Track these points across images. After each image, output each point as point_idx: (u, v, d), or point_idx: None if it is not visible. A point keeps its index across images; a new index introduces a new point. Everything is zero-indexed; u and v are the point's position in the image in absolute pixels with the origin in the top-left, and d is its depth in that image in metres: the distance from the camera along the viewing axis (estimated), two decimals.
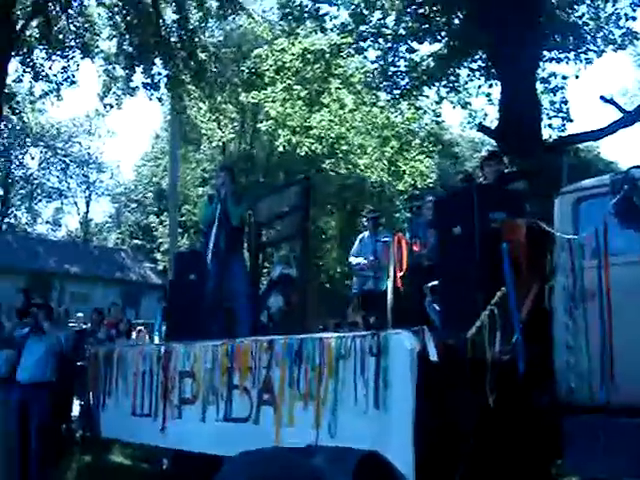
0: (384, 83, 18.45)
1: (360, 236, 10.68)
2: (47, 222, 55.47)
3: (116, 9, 20.46)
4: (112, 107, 21.67)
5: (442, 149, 24.52)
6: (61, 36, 20.38)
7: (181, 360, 7.58)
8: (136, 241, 46.31)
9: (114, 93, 21.33)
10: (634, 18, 16.63)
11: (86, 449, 10.51)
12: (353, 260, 10.21)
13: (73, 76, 21.11)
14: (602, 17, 17.01)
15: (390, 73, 18.09)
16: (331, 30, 18.26)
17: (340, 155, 26.90)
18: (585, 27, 17.06)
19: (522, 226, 6.18)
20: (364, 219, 10.62)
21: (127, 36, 20.28)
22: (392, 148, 22.30)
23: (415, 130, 22.10)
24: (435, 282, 7.28)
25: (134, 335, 13.32)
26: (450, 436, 5.34)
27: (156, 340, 11.84)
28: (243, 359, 6.72)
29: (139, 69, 20.58)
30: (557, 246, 5.77)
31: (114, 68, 21.16)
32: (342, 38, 17.87)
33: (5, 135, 38.96)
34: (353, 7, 17.36)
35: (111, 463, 10.48)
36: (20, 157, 48.90)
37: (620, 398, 5.08)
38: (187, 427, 7.36)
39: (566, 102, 17.46)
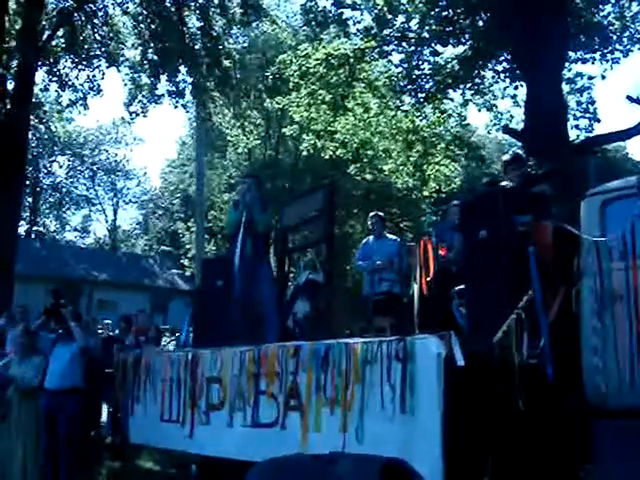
0: (408, 87, 18.46)
1: (364, 240, 10.65)
2: (75, 229, 56.08)
3: (140, 18, 20.61)
4: (138, 115, 21.82)
5: (468, 152, 24.34)
6: (86, 45, 20.56)
7: (208, 366, 7.60)
8: (163, 247, 46.52)
9: (139, 101, 21.48)
10: None
11: (115, 455, 10.59)
12: (361, 263, 10.15)
13: (99, 85, 21.28)
14: (627, 16, 16.91)
15: (414, 76, 18.09)
16: (355, 34, 18.34)
17: (365, 160, 26.87)
18: (611, 27, 16.97)
19: (549, 229, 6.14)
20: (369, 222, 10.54)
21: (152, 44, 20.43)
22: (417, 152, 22.24)
23: (440, 133, 22.01)
24: (462, 286, 7.25)
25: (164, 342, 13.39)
26: (478, 441, 5.31)
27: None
28: (270, 365, 6.73)
29: (164, 77, 20.73)
30: (584, 249, 5.72)
31: (139, 76, 21.31)
32: (366, 42, 17.92)
33: (33, 144, 39.32)
34: (376, 11, 17.38)
35: (140, 469, 10.53)
36: (48, 165, 49.49)
37: None
38: (215, 433, 7.38)
39: (593, 102, 17.39)
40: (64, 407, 9.03)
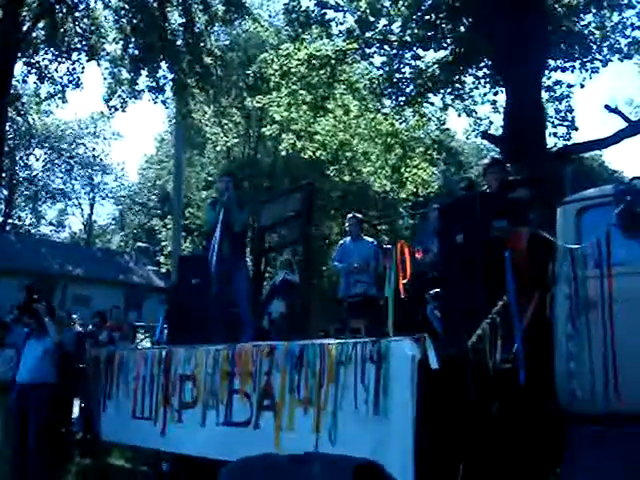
0: (389, 90, 18.49)
1: (341, 241, 10.70)
2: (51, 223, 55.59)
3: (122, 12, 20.48)
4: (117, 110, 21.67)
5: (447, 156, 24.45)
6: (67, 38, 20.42)
7: (182, 364, 7.58)
8: (139, 244, 46.27)
9: (119, 96, 21.34)
10: None
11: (85, 451, 10.50)
12: (338, 264, 10.18)
13: (78, 78, 21.15)
14: (608, 26, 17.01)
15: (395, 80, 18.13)
16: (337, 36, 18.31)
17: (344, 162, 26.90)
18: (591, 36, 17.08)
19: (524, 234, 6.18)
20: (346, 224, 10.58)
21: (133, 39, 20.31)
22: (396, 155, 22.28)
23: (419, 137, 22.07)
24: (437, 289, 7.28)
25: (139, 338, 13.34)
26: (450, 444, 5.33)
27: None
28: (244, 364, 6.73)
29: (144, 72, 20.60)
30: (559, 255, 5.76)
31: (119, 71, 21.18)
32: (348, 44, 17.91)
33: (10, 136, 38.98)
34: (359, 13, 17.39)
35: (110, 466, 10.45)
36: (25, 158, 49.02)
37: (622, 407, 5.07)
38: (187, 431, 7.36)
39: (571, 110, 17.50)
40: (34, 402, 8.95)
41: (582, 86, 17.60)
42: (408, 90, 18.35)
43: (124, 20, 20.51)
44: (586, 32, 17.07)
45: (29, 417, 8.98)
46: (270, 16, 30.55)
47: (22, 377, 9.16)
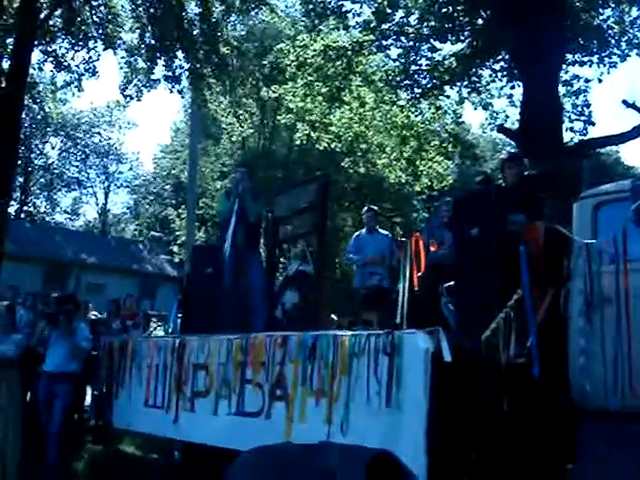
0: (405, 82, 18.42)
1: (356, 233, 10.70)
2: (65, 212, 55.70)
3: (139, 1, 20.49)
4: (132, 99, 21.69)
5: (462, 150, 24.34)
6: (84, 27, 20.45)
7: (195, 353, 7.61)
8: (153, 233, 46.39)
9: (135, 85, 21.36)
10: None
11: (97, 438, 10.57)
12: (352, 256, 10.20)
13: (94, 67, 21.18)
14: (627, 21, 16.88)
15: (411, 72, 18.06)
16: (353, 27, 18.26)
17: (359, 153, 26.85)
18: (609, 30, 16.94)
19: (541, 229, 6.16)
20: (363, 216, 10.59)
21: (149, 28, 20.32)
22: (411, 148, 22.21)
23: (435, 130, 21.99)
24: (451, 283, 7.26)
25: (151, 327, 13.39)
26: (462, 438, 5.32)
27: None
28: (257, 354, 6.74)
29: (161, 62, 20.61)
30: (575, 250, 5.73)
31: (136, 60, 21.19)
32: (364, 35, 17.85)
33: (26, 124, 39.12)
34: (376, 5, 17.32)
35: (122, 453, 10.52)
36: (40, 146, 49.09)
37: (636, 403, 5.05)
38: (199, 420, 7.39)
39: (588, 105, 17.37)
40: (61, 389, 9.17)
41: (600, 81, 17.53)
42: (424, 82, 18.28)
43: (141, 9, 20.52)
44: (604, 26, 16.94)
45: (55, 403, 9.14)
46: (286, 6, 30.48)
47: (51, 367, 9.33)
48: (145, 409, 8.33)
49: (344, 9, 17.83)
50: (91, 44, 20.97)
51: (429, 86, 18.27)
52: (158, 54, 20.35)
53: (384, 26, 17.48)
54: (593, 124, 17.24)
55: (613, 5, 16.79)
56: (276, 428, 6.29)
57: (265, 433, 6.34)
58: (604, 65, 17.05)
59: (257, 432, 6.46)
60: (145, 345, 8.78)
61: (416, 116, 20.93)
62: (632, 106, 14.20)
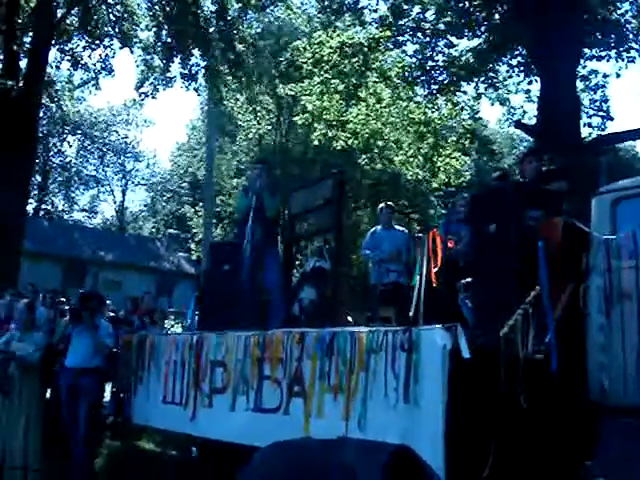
0: (422, 78, 18.40)
1: (372, 229, 10.68)
2: (83, 210, 56.01)
3: None
4: (147, 96, 21.79)
5: (479, 146, 24.30)
6: (100, 25, 20.55)
7: (213, 350, 7.62)
8: (171, 230, 46.56)
9: (151, 83, 21.46)
10: None
11: (116, 434, 10.63)
12: (368, 252, 10.18)
13: (111, 65, 21.30)
14: None
15: (428, 68, 18.04)
16: (370, 23, 18.25)
17: (376, 150, 26.83)
18: (627, 25, 16.86)
19: (559, 225, 6.13)
20: (379, 212, 10.56)
21: (166, 26, 20.39)
22: (428, 144, 22.20)
23: (452, 126, 21.96)
24: (469, 279, 7.24)
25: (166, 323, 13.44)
26: (480, 434, 5.31)
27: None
28: (274, 350, 6.74)
29: (177, 59, 20.69)
30: (593, 246, 5.70)
31: (152, 58, 21.27)
32: (381, 32, 17.83)
33: (44, 122, 39.37)
34: (392, 1, 17.31)
35: (140, 449, 10.56)
36: (58, 144, 49.41)
37: None
38: (217, 416, 7.40)
39: (606, 100, 17.33)
40: (86, 385, 9.24)
41: (618, 75, 17.39)
42: (441, 78, 18.26)
43: (157, 7, 20.61)
44: (622, 21, 16.85)
45: (80, 399, 9.21)
46: (302, 3, 30.47)
47: (73, 362, 9.38)
48: (163, 405, 8.36)
49: (360, 5, 17.90)
50: (107, 42, 21.09)
51: (446, 82, 18.24)
52: (174, 52, 20.43)
53: (400, 22, 17.47)
54: (612, 119, 17.21)
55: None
56: (294, 424, 6.29)
57: (283, 429, 6.34)
58: (622, 60, 16.97)
59: (275, 428, 6.47)
60: (163, 342, 8.81)
61: (433, 112, 20.93)
62: None
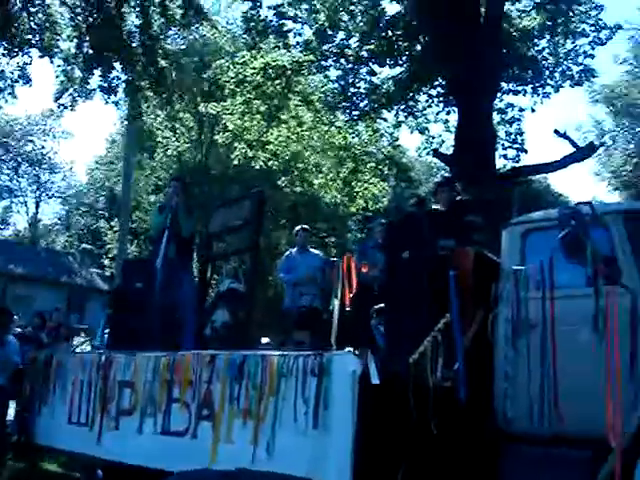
0: (343, 103, 18.54)
1: (287, 252, 10.69)
2: None
3: (79, 9, 20.18)
4: (66, 108, 21.30)
5: (397, 172, 24.63)
6: (20, 33, 20.05)
7: (121, 370, 7.48)
8: (84, 245, 45.60)
9: (70, 94, 21.00)
10: (592, 56, 17.14)
11: (19, 455, 10.29)
12: (284, 275, 10.18)
13: (29, 75, 20.76)
14: (561, 53, 17.37)
15: (350, 94, 18.19)
16: (294, 47, 18.32)
17: (295, 173, 26.90)
18: (544, 61, 17.41)
19: (470, 254, 6.24)
20: (295, 235, 10.58)
21: (87, 38, 20.02)
22: (347, 169, 22.37)
23: (371, 152, 22.19)
24: (382, 305, 7.29)
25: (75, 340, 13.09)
26: (389, 460, 5.33)
27: None
28: (184, 372, 6.66)
29: (97, 72, 20.32)
30: (503, 276, 5.82)
31: (72, 69, 20.84)
32: (304, 55, 17.92)
33: None
34: (317, 26, 17.44)
35: (44, 470, 10.27)
36: None
37: (559, 429, 5.13)
38: (124, 439, 7.25)
39: (521, 133, 17.78)
40: None
41: (533, 110, 17.89)
42: (362, 105, 18.42)
43: (80, 18, 20.21)
44: (539, 57, 17.40)
45: None
46: (228, 23, 30.43)
47: None
48: (68, 426, 8.16)
49: (285, 28, 17.89)
50: (26, 50, 20.57)
51: (367, 109, 18.42)
52: (95, 64, 20.06)
53: (324, 47, 17.60)
54: (525, 152, 17.64)
55: (548, 37, 17.27)
56: (202, 448, 6.21)
57: (191, 453, 6.26)
58: (538, 95, 17.51)
59: (183, 452, 6.38)
60: (70, 360, 8.61)
61: (353, 138, 21.11)
62: (563, 136, 14.56)
